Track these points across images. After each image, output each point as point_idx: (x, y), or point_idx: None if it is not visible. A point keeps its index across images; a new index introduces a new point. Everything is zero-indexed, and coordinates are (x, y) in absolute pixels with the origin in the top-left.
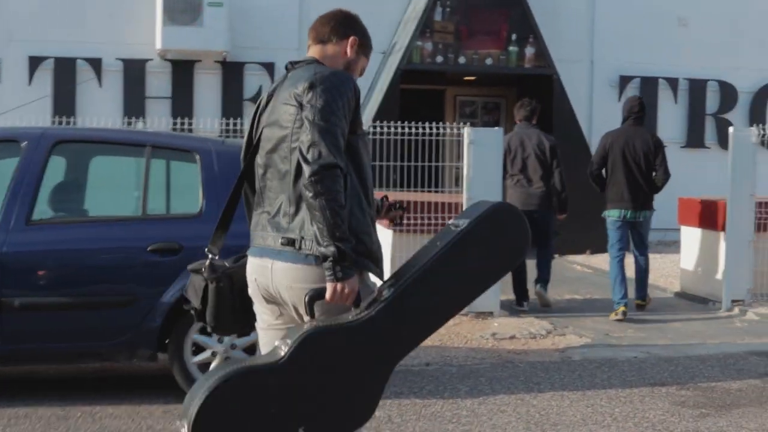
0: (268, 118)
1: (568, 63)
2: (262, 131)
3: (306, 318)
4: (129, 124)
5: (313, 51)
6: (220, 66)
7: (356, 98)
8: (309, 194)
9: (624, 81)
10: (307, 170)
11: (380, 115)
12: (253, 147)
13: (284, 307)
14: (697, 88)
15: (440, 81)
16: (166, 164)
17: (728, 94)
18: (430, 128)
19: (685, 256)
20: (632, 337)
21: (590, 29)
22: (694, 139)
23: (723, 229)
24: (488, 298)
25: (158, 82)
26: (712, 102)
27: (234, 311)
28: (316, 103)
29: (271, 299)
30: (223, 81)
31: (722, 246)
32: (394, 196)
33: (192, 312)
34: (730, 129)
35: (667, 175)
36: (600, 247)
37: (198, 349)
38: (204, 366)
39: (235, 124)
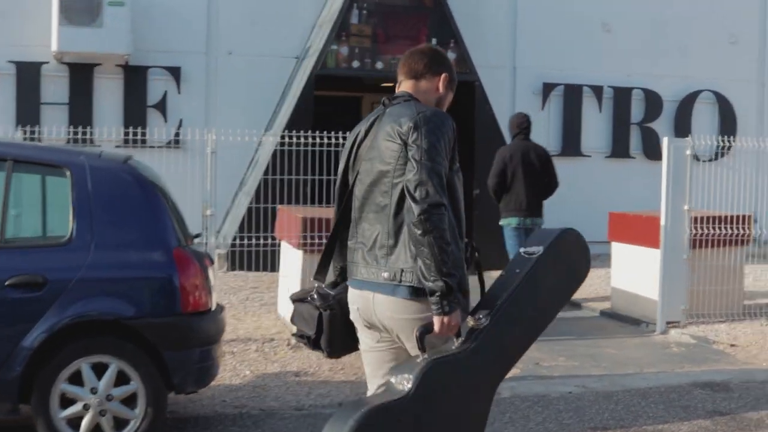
0: (368, 153)
1: (490, 69)
2: (360, 164)
3: (408, 346)
4: (24, 132)
5: (406, 86)
6: (122, 70)
7: (453, 137)
8: (418, 232)
9: (547, 88)
10: (416, 209)
11: (293, 123)
12: (349, 179)
13: (384, 332)
14: (622, 96)
15: (357, 87)
16: (30, 181)
17: (653, 102)
18: (344, 138)
19: (615, 274)
20: (564, 366)
21: (512, 34)
22: (619, 149)
23: (657, 245)
24: None
25: (55, 87)
26: (637, 111)
27: (346, 336)
28: (422, 143)
29: (371, 326)
30: (125, 86)
31: (656, 264)
32: (306, 212)
33: (304, 342)
34: (665, 139)
35: (557, 184)
36: None
37: (67, 401)
38: (74, 420)
39: (135, 133)
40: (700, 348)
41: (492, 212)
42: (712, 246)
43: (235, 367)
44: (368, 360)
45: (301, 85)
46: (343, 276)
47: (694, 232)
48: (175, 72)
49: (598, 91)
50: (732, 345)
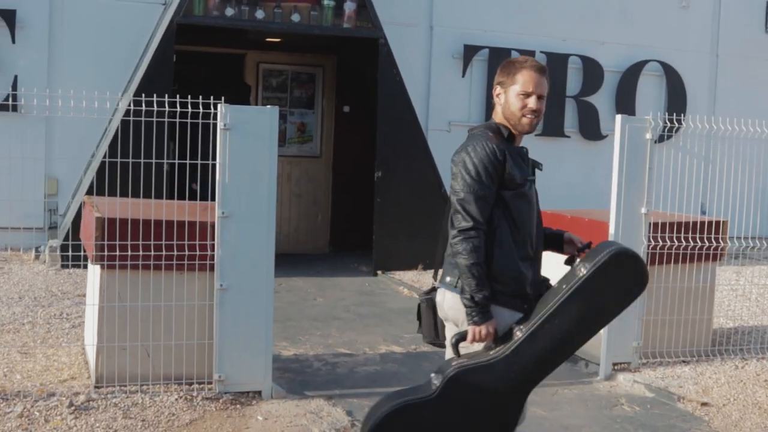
0: None
1: (402, 27)
2: None
3: (449, 347)
4: None
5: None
6: None
7: (495, 159)
8: (453, 253)
9: (469, 52)
10: (450, 235)
11: (147, 87)
12: None
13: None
14: (556, 63)
15: (239, 43)
16: None
17: (592, 72)
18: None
19: None
20: None
21: None
22: (552, 126)
23: None
24: (258, 370)
25: None
26: (573, 82)
27: (435, 326)
28: (452, 175)
29: (446, 319)
30: None
31: None
32: (113, 208)
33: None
34: (618, 117)
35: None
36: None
37: None
38: None
39: None
40: (660, 407)
41: (394, 198)
42: (676, 262)
43: None
44: (447, 352)
45: (159, 37)
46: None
47: (653, 243)
48: (8, 16)
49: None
50: (703, 404)
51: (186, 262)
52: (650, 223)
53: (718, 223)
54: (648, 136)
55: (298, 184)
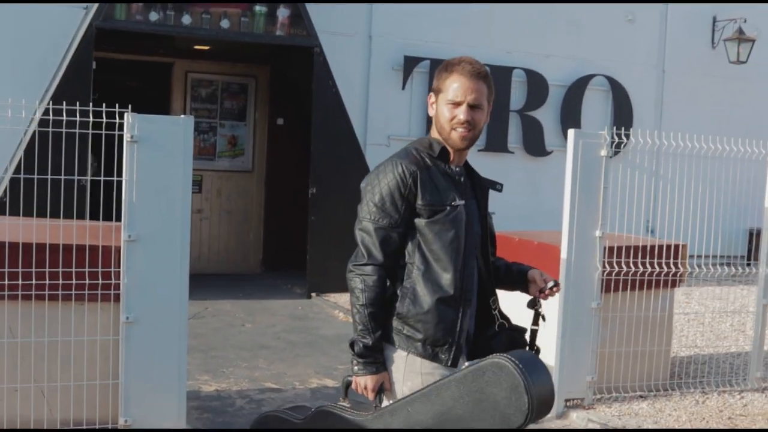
0: None
1: (338, 36)
2: None
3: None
4: None
5: None
6: None
7: (401, 183)
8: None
9: (410, 63)
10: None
11: (64, 95)
12: None
13: None
14: (500, 77)
15: (167, 51)
16: None
17: (537, 86)
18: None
19: None
20: None
21: None
22: (495, 141)
23: None
24: (170, 413)
25: None
26: (517, 96)
27: None
28: (360, 201)
29: None
30: None
31: (552, 314)
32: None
33: None
34: (571, 132)
35: None
36: None
37: None
38: None
39: None
40: None
41: (329, 216)
42: (632, 288)
43: None
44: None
45: (78, 41)
46: None
47: (608, 269)
48: None
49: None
50: None
51: (87, 291)
52: (605, 247)
53: (677, 246)
54: (603, 152)
55: (228, 200)
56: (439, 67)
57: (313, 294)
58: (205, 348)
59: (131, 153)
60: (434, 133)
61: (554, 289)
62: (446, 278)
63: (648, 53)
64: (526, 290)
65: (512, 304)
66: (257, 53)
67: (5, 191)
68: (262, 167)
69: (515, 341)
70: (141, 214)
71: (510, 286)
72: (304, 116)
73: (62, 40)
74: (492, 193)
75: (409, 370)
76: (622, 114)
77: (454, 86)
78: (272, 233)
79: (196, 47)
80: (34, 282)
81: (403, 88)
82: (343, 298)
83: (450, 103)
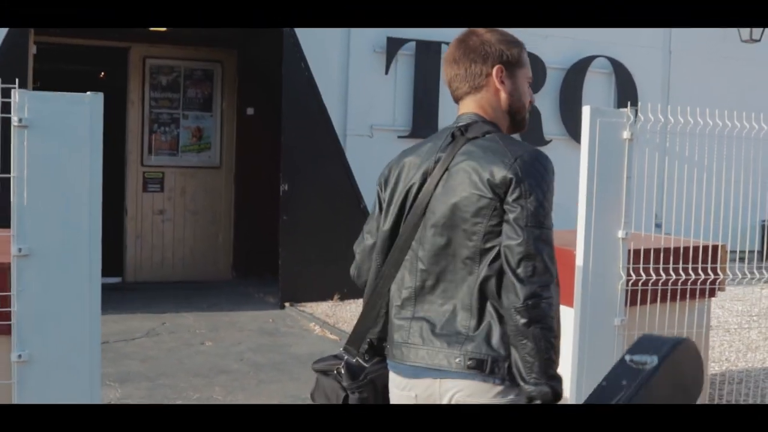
0: (439, 205)
1: None
2: (422, 219)
3: None
4: None
5: (469, 104)
6: None
7: None
8: (521, 321)
9: (394, 45)
10: (521, 291)
11: None
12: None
13: None
14: None
15: (121, 34)
16: None
17: (534, 69)
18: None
19: None
20: None
21: None
22: None
23: (568, 301)
24: None
25: None
26: None
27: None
28: (527, 203)
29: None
30: None
31: (567, 332)
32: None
33: None
34: (586, 109)
35: None
36: (354, 291)
37: None
38: None
39: None
40: None
41: (304, 215)
42: (663, 300)
43: None
44: None
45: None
46: (374, 352)
47: (633, 278)
48: None
49: None
50: None
51: None
52: (630, 251)
53: (715, 247)
54: (625, 134)
55: (194, 199)
56: (498, 38)
57: (287, 304)
58: (153, 374)
59: (20, 141)
60: (490, 114)
61: None
62: None
63: (653, 32)
64: None
65: None
66: (223, 36)
67: None
68: (231, 162)
69: None
70: (35, 222)
71: None
72: (277, 105)
73: None
74: None
75: None
76: (627, 98)
77: (529, 64)
78: (244, 235)
79: (153, 29)
80: None
81: (387, 72)
82: (320, 308)
83: (529, 81)
